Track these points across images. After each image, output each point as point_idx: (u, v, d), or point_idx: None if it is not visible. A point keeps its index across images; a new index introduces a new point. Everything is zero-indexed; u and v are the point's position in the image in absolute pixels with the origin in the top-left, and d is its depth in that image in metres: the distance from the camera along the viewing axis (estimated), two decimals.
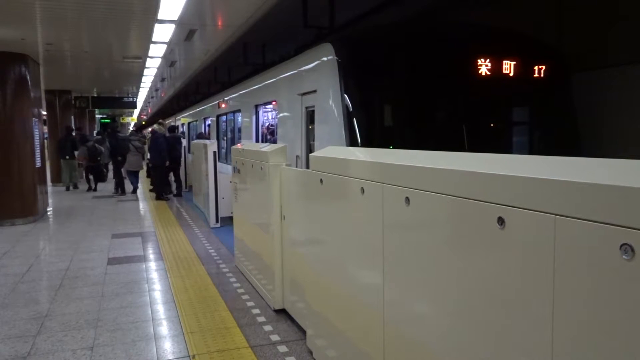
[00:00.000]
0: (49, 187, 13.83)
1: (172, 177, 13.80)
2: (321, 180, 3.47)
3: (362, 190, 2.85)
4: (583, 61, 5.89)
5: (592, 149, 5.60)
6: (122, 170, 13.90)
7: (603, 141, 5.72)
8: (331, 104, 5.10)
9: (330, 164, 3.37)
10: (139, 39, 8.92)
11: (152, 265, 6.55)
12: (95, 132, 24.20)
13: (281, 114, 6.89)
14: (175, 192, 13.66)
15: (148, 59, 11.12)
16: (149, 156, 13.73)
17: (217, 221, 9.31)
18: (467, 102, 5.33)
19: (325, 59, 5.30)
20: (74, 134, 15.53)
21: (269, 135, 8.83)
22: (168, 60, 11.77)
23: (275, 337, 4.22)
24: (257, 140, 8.74)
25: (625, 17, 5.54)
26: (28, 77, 10.02)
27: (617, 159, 1.59)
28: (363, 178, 2.86)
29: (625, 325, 1.36)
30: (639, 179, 1.36)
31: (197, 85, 17.24)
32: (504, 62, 5.24)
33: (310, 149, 5.79)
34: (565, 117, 5.67)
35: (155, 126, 13.87)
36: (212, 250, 7.33)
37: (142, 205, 12.02)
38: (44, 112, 16.26)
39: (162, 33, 8.49)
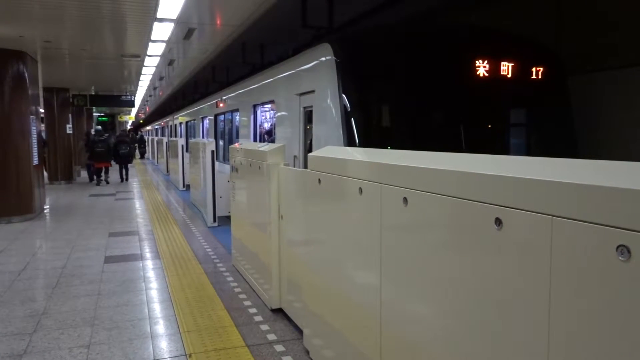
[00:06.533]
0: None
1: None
2: (319, 180, 3.48)
3: (360, 190, 2.86)
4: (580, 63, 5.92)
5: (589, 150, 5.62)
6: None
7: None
8: (329, 104, 5.11)
9: (328, 164, 3.37)
10: (138, 37, 8.91)
11: (149, 264, 6.54)
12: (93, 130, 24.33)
13: (279, 114, 6.89)
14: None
15: (147, 57, 11.11)
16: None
17: (214, 220, 9.31)
18: (465, 103, 5.34)
19: (323, 59, 5.30)
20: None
21: (267, 135, 8.83)
22: (167, 59, 11.76)
23: (272, 337, 4.23)
24: (255, 140, 8.74)
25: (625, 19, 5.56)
26: (26, 75, 10.00)
27: (614, 161, 1.60)
28: (361, 178, 2.86)
29: (622, 326, 1.37)
30: (636, 181, 1.37)
31: (195, 84, 17.23)
32: (502, 63, 5.26)
33: (308, 148, 5.80)
34: (563, 119, 5.69)
35: None
36: (210, 250, 7.33)
37: (139, 204, 12.01)
38: (42, 110, 16.22)
39: (161, 31, 8.49)
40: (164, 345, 4.08)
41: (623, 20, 5.58)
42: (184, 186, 15.13)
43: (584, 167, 1.66)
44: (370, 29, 6.27)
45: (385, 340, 2.66)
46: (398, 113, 5.30)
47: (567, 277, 1.53)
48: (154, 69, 13.32)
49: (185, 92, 20.35)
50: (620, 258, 1.35)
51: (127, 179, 17.48)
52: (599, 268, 1.42)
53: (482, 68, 5.16)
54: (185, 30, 8.51)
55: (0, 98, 9.58)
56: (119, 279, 5.84)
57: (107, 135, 17.19)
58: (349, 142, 4.81)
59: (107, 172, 16.80)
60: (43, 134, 14.53)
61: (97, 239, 8.07)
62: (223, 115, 11.67)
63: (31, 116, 10.17)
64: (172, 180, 17.56)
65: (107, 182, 16.65)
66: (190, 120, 16.95)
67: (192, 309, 4.85)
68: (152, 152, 30.54)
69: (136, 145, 31.09)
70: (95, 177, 16.70)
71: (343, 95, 4.92)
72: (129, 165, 17.85)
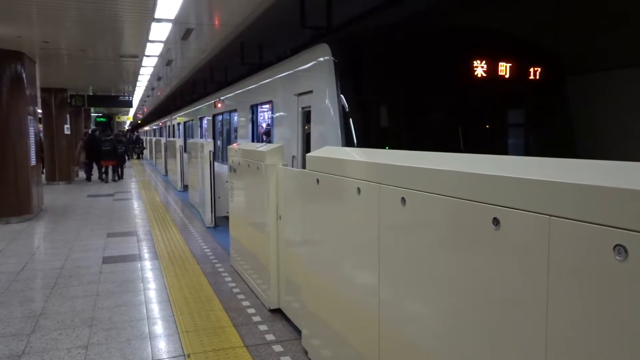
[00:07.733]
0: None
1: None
2: (317, 181, 3.48)
3: (359, 190, 2.86)
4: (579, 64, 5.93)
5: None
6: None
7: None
8: (327, 104, 5.11)
9: (326, 164, 3.38)
10: (136, 37, 8.91)
11: (148, 264, 6.54)
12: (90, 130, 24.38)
13: (277, 114, 6.89)
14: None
15: (144, 57, 11.10)
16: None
17: (212, 221, 9.30)
18: (463, 103, 5.35)
19: (321, 59, 5.30)
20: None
21: (265, 135, 8.83)
22: (165, 60, 11.75)
23: (270, 337, 4.23)
24: (253, 140, 8.73)
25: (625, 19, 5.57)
26: (24, 75, 9.98)
27: (611, 161, 1.61)
28: (359, 178, 2.87)
29: (619, 325, 1.38)
30: (633, 181, 1.37)
31: (193, 84, 17.22)
32: (500, 64, 5.27)
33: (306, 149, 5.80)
34: (561, 119, 5.70)
35: None
36: (208, 250, 7.33)
37: (137, 205, 12.00)
38: (40, 111, 16.20)
39: (159, 32, 8.48)
40: (162, 345, 4.08)
41: (622, 20, 5.60)
42: (182, 187, 15.12)
43: (582, 167, 1.67)
44: (368, 30, 6.27)
45: (384, 340, 2.66)
46: (396, 113, 5.31)
47: (564, 276, 1.53)
48: (151, 69, 13.30)
49: (183, 92, 20.33)
50: (617, 258, 1.36)
51: (122, 177, 18.33)
52: (596, 267, 1.43)
53: (479, 68, 5.17)
54: (183, 30, 8.51)
55: None
56: (118, 280, 5.84)
57: (112, 135, 18.44)
58: (347, 142, 4.82)
59: (108, 171, 17.52)
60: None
61: (96, 239, 8.06)
62: (221, 116, 11.67)
63: (29, 117, 10.15)
64: (171, 181, 17.56)
65: (114, 180, 17.53)
66: (189, 121, 16.94)
67: (190, 310, 4.85)
68: (150, 153, 30.51)
69: (132, 145, 31.26)
70: (103, 174, 17.45)
71: (341, 95, 4.92)
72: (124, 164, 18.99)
